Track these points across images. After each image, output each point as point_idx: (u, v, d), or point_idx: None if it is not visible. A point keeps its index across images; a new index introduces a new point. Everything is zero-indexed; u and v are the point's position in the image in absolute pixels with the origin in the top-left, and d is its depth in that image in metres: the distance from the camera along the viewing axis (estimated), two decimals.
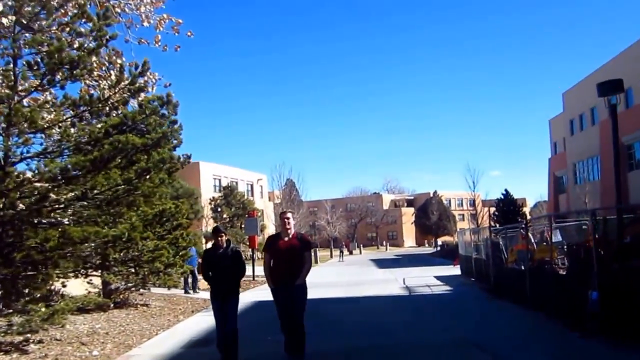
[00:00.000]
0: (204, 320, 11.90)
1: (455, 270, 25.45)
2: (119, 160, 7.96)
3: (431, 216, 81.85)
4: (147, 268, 12.89)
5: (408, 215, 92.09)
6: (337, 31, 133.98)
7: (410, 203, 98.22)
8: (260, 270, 27.94)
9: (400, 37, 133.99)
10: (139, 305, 13.55)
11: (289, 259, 7.25)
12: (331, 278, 25.55)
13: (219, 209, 42.04)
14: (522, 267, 14.22)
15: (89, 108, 8.51)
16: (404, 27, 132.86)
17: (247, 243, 25.34)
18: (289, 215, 7.70)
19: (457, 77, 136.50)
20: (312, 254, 7.62)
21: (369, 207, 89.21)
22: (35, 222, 8.08)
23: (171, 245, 13.17)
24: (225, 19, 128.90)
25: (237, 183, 53.57)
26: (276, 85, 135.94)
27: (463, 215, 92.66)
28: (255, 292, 19.03)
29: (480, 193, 50.25)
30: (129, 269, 12.92)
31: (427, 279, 21.69)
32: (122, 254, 12.89)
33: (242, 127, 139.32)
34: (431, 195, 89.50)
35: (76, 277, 10.64)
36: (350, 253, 62.83)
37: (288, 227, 7.46)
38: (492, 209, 50.92)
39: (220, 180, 51.13)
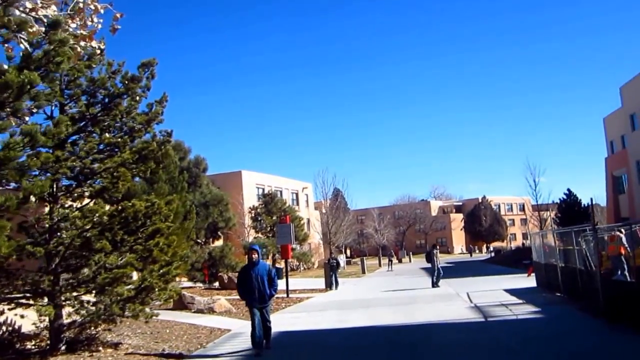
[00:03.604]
0: None
1: (528, 281, 20.00)
2: None
3: (483, 222, 75.42)
4: (109, 294, 8.41)
5: (457, 221, 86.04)
6: (385, 38, 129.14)
7: (458, 209, 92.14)
8: (296, 282, 21.42)
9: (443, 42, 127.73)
10: (104, 346, 8.97)
11: None
12: (378, 292, 20.50)
13: (260, 218, 37.65)
14: None
15: None
16: (445, 26, 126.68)
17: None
18: None
19: (503, 85, 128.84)
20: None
21: (417, 214, 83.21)
22: None
23: (142, 261, 8.59)
24: (270, 30, 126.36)
25: (281, 192, 49.35)
26: (324, 95, 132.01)
27: (513, 220, 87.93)
28: (285, 315, 14.30)
29: (530, 198, 44.52)
30: (80, 296, 8.46)
31: (497, 294, 16.32)
32: (69, 275, 8.47)
33: (288, 137, 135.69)
34: (480, 200, 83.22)
35: None
36: (400, 261, 57.07)
37: None
38: (547, 213, 44.94)
39: (263, 189, 47.06)
